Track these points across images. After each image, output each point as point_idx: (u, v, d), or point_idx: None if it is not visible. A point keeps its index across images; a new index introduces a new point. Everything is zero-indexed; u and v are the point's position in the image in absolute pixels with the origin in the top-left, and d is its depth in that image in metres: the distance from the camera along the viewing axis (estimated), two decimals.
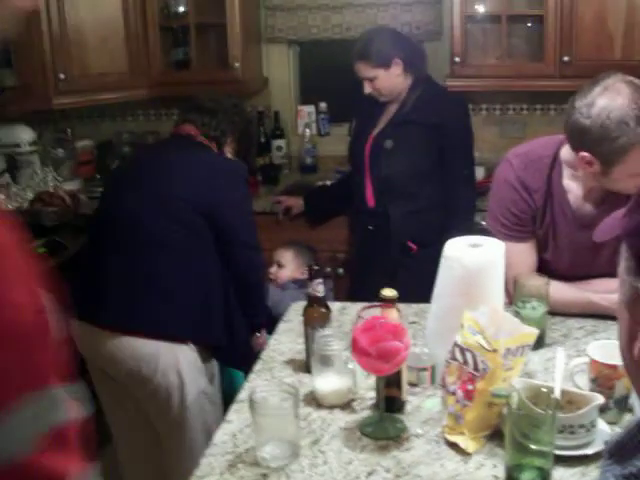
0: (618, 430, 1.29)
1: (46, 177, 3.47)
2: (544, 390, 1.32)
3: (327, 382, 1.54)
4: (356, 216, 2.98)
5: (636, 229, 0.69)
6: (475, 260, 1.52)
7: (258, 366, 1.75)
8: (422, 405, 1.52)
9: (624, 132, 1.59)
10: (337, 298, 2.57)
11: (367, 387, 1.58)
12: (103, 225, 2.22)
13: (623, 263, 0.72)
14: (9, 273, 0.65)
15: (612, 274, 0.76)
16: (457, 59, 3.08)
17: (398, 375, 1.47)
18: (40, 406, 0.65)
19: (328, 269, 3.22)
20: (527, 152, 1.93)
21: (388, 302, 1.50)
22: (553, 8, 2.95)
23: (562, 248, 1.90)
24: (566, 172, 1.85)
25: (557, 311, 1.83)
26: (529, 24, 3.21)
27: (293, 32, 3.67)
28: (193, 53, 3.51)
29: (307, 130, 3.71)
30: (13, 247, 0.67)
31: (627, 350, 0.73)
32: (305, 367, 1.68)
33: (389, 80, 2.70)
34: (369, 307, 1.46)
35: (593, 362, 1.44)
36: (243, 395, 1.59)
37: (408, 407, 1.52)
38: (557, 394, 1.32)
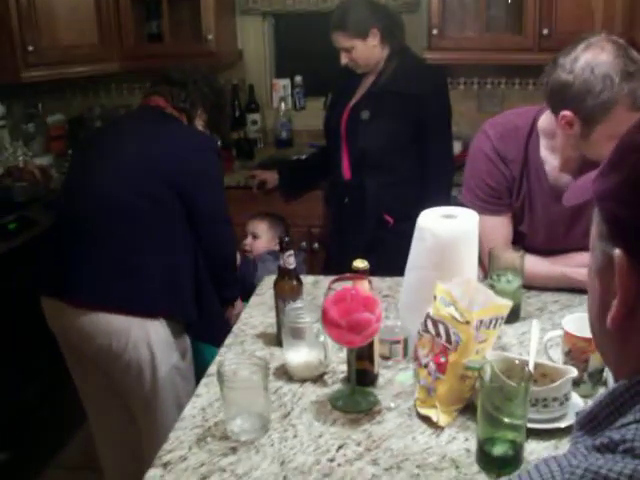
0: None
1: (16, 152, 3.39)
2: (518, 363, 1.30)
3: (298, 355, 1.51)
4: (332, 189, 2.94)
5: (608, 192, 0.65)
6: (448, 231, 1.49)
7: (229, 339, 1.72)
8: (394, 378, 1.50)
9: (608, 87, 1.55)
10: (313, 273, 2.55)
11: (339, 360, 1.55)
12: (70, 200, 2.16)
13: (594, 228, 0.69)
14: None
15: (587, 248, 0.72)
16: (435, 31, 3.04)
17: (370, 348, 1.44)
18: None
19: (303, 243, 3.20)
20: (504, 122, 1.89)
21: (360, 273, 1.47)
22: None
23: (538, 221, 1.88)
24: (543, 143, 1.82)
25: (532, 285, 1.82)
26: None
27: (268, 4, 3.61)
28: (166, 25, 3.44)
29: (282, 104, 3.66)
30: None
31: (597, 321, 0.70)
32: (276, 340, 1.65)
33: (366, 51, 2.66)
34: (340, 279, 1.42)
35: (567, 335, 1.41)
36: (212, 369, 1.56)
37: (380, 380, 1.49)
38: (531, 367, 1.30)
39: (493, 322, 1.34)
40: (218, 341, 1.74)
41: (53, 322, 2.14)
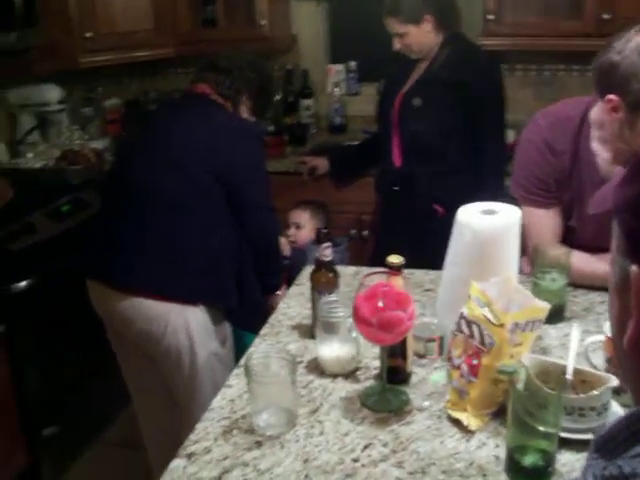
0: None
1: (72, 135, 3.46)
2: (555, 368, 1.24)
3: (330, 350, 1.48)
4: (382, 176, 2.89)
5: (627, 204, 0.60)
6: (487, 227, 1.43)
7: (265, 330, 1.71)
8: (428, 377, 1.46)
9: None
10: (361, 261, 2.51)
11: (373, 356, 1.51)
12: (115, 187, 2.18)
13: (614, 241, 0.63)
14: None
15: None
16: (491, 17, 2.94)
17: (403, 345, 1.40)
18: None
19: (353, 231, 3.16)
20: (556, 112, 1.81)
21: (394, 269, 1.43)
22: None
23: (587, 215, 1.79)
24: (594, 134, 1.73)
25: (579, 283, 1.73)
26: None
27: None
28: (220, 11, 3.44)
29: (336, 89, 3.62)
30: None
31: (616, 339, 0.65)
32: (311, 333, 1.63)
33: (420, 37, 2.60)
34: (373, 274, 1.38)
35: (609, 340, 1.34)
36: (244, 360, 1.55)
37: (414, 379, 1.45)
38: (569, 373, 1.24)
39: (530, 325, 1.28)
40: (259, 329, 1.74)
41: (97, 305, 2.18)
